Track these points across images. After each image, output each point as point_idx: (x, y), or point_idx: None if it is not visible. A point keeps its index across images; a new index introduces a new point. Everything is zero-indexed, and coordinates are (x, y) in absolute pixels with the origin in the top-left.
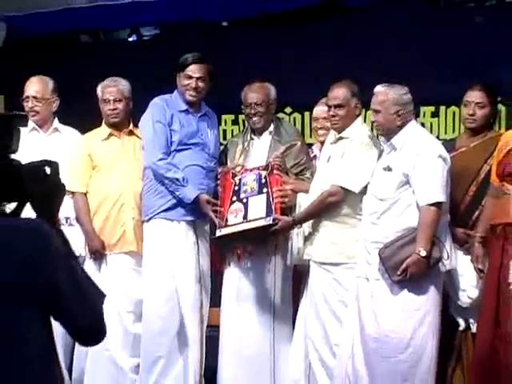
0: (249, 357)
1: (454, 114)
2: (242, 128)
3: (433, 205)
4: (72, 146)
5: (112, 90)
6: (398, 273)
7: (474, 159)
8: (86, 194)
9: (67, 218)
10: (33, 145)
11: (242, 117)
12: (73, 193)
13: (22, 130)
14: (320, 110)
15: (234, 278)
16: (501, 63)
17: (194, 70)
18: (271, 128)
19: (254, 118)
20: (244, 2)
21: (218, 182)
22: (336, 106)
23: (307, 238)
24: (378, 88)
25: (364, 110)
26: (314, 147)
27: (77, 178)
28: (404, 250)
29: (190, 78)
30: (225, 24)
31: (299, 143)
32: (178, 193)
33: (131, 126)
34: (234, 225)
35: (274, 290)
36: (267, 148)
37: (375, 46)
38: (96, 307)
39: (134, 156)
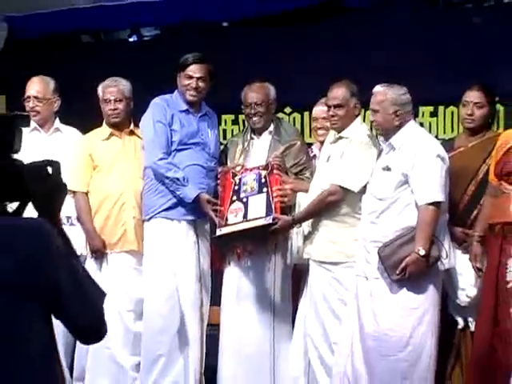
0: (249, 355)
1: (452, 113)
2: (241, 128)
3: (431, 204)
4: (73, 146)
5: (113, 90)
6: (397, 272)
7: (473, 159)
8: (87, 194)
9: (68, 218)
10: (34, 144)
11: (242, 117)
12: (74, 192)
13: (23, 129)
14: (319, 109)
15: (234, 276)
16: (499, 63)
17: (194, 69)
18: (271, 128)
19: (254, 118)
20: (244, 2)
21: (218, 181)
22: (335, 106)
23: (307, 237)
24: (377, 88)
25: (363, 110)
26: (313, 147)
27: (78, 177)
28: (403, 249)
29: (191, 77)
30: (225, 24)
31: (299, 143)
32: (178, 192)
33: (132, 125)
34: (234, 224)
35: (273, 288)
36: (267, 148)
37: (374, 46)
38: (97, 306)
39: (134, 156)
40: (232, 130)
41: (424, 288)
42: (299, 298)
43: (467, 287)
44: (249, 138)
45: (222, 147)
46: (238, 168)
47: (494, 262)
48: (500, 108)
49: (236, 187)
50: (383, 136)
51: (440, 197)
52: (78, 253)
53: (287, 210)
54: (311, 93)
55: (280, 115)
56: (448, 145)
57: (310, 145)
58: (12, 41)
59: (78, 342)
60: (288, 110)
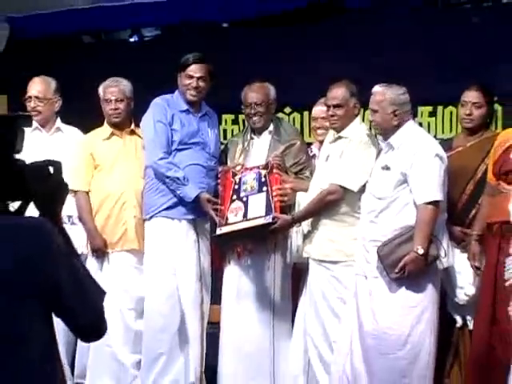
0: (249, 353)
1: (451, 113)
2: (241, 127)
3: (430, 203)
4: (74, 146)
5: (114, 90)
6: (396, 270)
7: (471, 158)
8: (88, 193)
9: (69, 217)
10: (35, 144)
11: (242, 116)
12: (75, 191)
13: (25, 129)
14: (319, 109)
15: (234, 275)
16: (498, 63)
17: (194, 69)
18: (271, 128)
19: (254, 118)
20: (244, 2)
21: (219, 180)
22: (335, 106)
23: (306, 236)
24: (376, 88)
25: (363, 110)
26: (313, 146)
27: (79, 176)
28: (402, 247)
29: (191, 77)
30: (225, 25)
31: (298, 142)
32: (178, 192)
33: (133, 125)
34: (234, 223)
35: (273, 287)
36: (267, 147)
37: (374, 46)
38: (97, 305)
39: (135, 155)
40: (232, 130)
41: (423, 287)
42: (299, 297)
43: (466, 286)
44: (249, 137)
45: (222, 147)
46: (238, 167)
47: (492, 261)
48: (498, 108)
49: (236, 186)
50: (382, 136)
51: (438, 196)
52: (79, 252)
53: (287, 209)
54: (311, 93)
55: (280, 115)
56: (446, 144)
57: (309, 144)
58: (13, 41)
59: (79, 340)
60: (288, 109)
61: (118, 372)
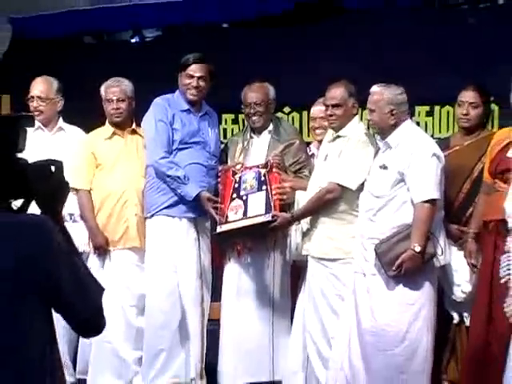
0: (248, 350)
1: (448, 113)
2: (241, 127)
3: (427, 202)
4: (76, 145)
5: (115, 90)
6: (394, 268)
7: (468, 158)
8: (89, 192)
9: (71, 215)
10: (38, 143)
11: (241, 116)
12: (77, 190)
13: (27, 129)
14: (317, 109)
15: (234, 273)
16: (494, 64)
17: (195, 69)
18: (270, 127)
19: (254, 118)
20: (243, 3)
21: (219, 179)
22: (333, 106)
23: (305, 234)
24: (374, 88)
25: (361, 110)
26: (311, 146)
27: (81, 175)
28: (399, 245)
29: (192, 77)
30: (225, 25)
31: (298, 142)
32: (179, 190)
33: (134, 125)
34: (234, 221)
35: (273, 284)
36: (266, 146)
37: (372, 46)
38: (96, 302)
39: (136, 154)
40: (232, 129)
41: (420, 284)
42: (298, 294)
43: (462, 283)
44: (248, 137)
45: (222, 146)
46: (238, 166)
47: (488, 259)
48: (495, 108)
49: (236, 185)
50: (379, 135)
51: (435, 194)
52: (81, 250)
53: (286, 208)
54: (310, 93)
55: (279, 114)
56: (443, 144)
57: (308, 144)
58: (16, 42)
59: (81, 337)
60: (287, 109)
61: (120, 368)
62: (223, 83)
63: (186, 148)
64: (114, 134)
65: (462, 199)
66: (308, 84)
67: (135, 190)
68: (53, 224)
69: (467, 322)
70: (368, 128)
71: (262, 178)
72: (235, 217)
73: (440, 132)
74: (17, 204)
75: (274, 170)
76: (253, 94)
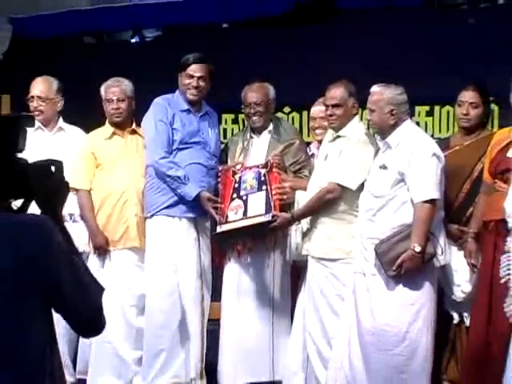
0: (248, 349)
1: (448, 113)
2: (241, 127)
3: (427, 202)
4: (76, 145)
5: (115, 90)
6: (394, 268)
7: (468, 158)
8: (89, 191)
9: (71, 215)
10: (38, 143)
11: (241, 116)
12: (77, 190)
13: (27, 129)
14: (317, 109)
15: (234, 273)
16: (494, 64)
17: (195, 69)
18: (270, 127)
19: (254, 118)
20: (243, 4)
21: (219, 179)
22: (333, 106)
23: (305, 234)
24: (374, 88)
25: (361, 110)
26: (311, 146)
27: (81, 175)
28: (399, 245)
29: (191, 77)
30: (225, 26)
31: (297, 142)
32: (179, 190)
33: (134, 125)
34: (234, 221)
35: (273, 284)
36: (266, 146)
37: (372, 47)
38: (96, 302)
39: (136, 154)
40: (232, 129)
41: (420, 284)
42: (298, 294)
43: (462, 283)
44: (248, 137)
45: (222, 146)
46: (238, 166)
47: (488, 258)
48: (494, 108)
49: (236, 185)
50: (379, 135)
51: (435, 194)
52: (81, 249)
53: (286, 208)
54: (310, 93)
55: (279, 114)
56: (443, 144)
57: (308, 144)
58: (16, 42)
59: (81, 337)
60: (287, 109)
61: (120, 368)
62: (223, 83)
63: (186, 148)
64: (113, 133)
65: (462, 199)
66: (308, 84)
67: (135, 189)
68: (53, 224)
69: (467, 321)
70: (368, 128)
71: (262, 178)
72: (235, 217)
73: (440, 132)
74: (17, 204)
75: (273, 169)
76: (253, 93)
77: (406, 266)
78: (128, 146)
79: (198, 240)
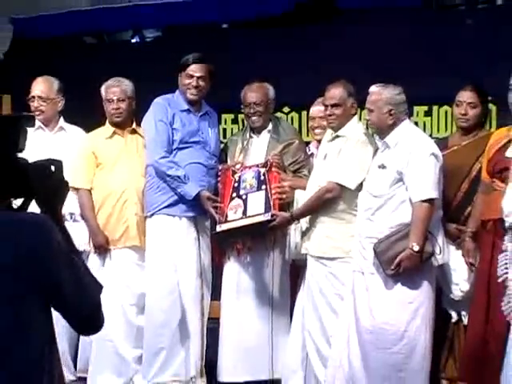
0: (248, 348)
1: (446, 113)
2: (241, 127)
3: (425, 201)
4: (77, 144)
5: (115, 90)
6: (392, 267)
7: (466, 157)
8: (90, 191)
9: (72, 214)
10: (39, 143)
11: (241, 116)
12: (77, 189)
13: (28, 129)
14: (316, 109)
15: (234, 272)
16: (492, 64)
17: (194, 69)
18: (270, 127)
19: (253, 117)
20: (243, 4)
21: (219, 179)
22: (333, 106)
23: (304, 233)
24: (373, 88)
25: (360, 109)
26: (310, 145)
27: (81, 174)
28: (398, 244)
29: (191, 77)
30: (225, 26)
31: (297, 141)
32: (179, 190)
33: (134, 124)
34: (234, 220)
35: (272, 283)
36: (266, 146)
37: (371, 47)
38: (95, 300)
39: (136, 154)
40: (232, 129)
41: (418, 283)
42: (297, 293)
43: (460, 282)
44: (248, 136)
45: (222, 146)
46: (238, 166)
47: (486, 257)
48: (492, 108)
49: (236, 184)
50: (378, 135)
51: (434, 194)
52: (82, 249)
53: (285, 207)
54: (309, 93)
55: (278, 114)
56: (442, 143)
57: (307, 143)
58: (17, 42)
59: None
60: (286, 109)
61: (120, 366)
62: (223, 83)
63: (186, 148)
64: (114, 133)
65: (461, 198)
66: (307, 84)
67: (135, 189)
68: (52, 223)
69: (465, 320)
70: (367, 128)
71: (262, 178)
72: (235, 216)
73: (438, 132)
74: (17, 203)
75: (273, 169)
76: (252, 93)
77: (404, 264)
78: (128, 146)
79: (198, 239)
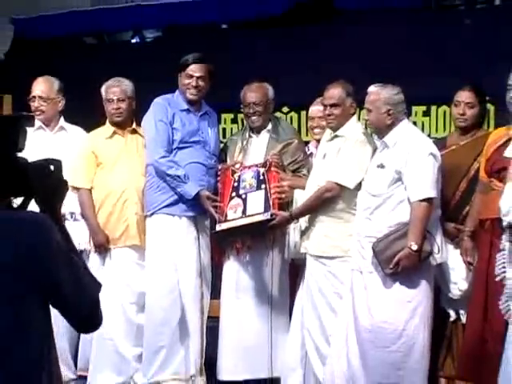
0: (247, 346)
1: (444, 113)
2: (240, 126)
3: (424, 200)
4: (77, 144)
5: (115, 90)
6: (391, 266)
7: (464, 157)
8: (90, 190)
9: (72, 213)
10: (39, 143)
11: (241, 116)
12: (78, 189)
13: (28, 128)
14: (316, 109)
15: (234, 271)
16: (490, 64)
17: (194, 69)
18: (269, 127)
19: (253, 117)
20: (243, 4)
21: (218, 178)
22: (332, 106)
23: (304, 233)
24: (371, 88)
25: (359, 109)
26: (310, 145)
27: (82, 174)
28: (396, 243)
29: (191, 77)
30: (225, 26)
31: (296, 141)
32: (179, 189)
33: (134, 124)
34: (233, 220)
35: (271, 282)
36: (265, 146)
37: (370, 47)
38: (94, 298)
39: (136, 153)
40: (231, 129)
41: (417, 282)
42: (296, 292)
43: (459, 281)
44: (247, 136)
45: (221, 145)
46: (237, 165)
47: (484, 257)
48: (490, 107)
49: (235, 184)
50: (377, 134)
51: (432, 193)
52: (82, 248)
53: (285, 206)
54: (308, 93)
55: (278, 114)
56: (440, 143)
57: (306, 143)
58: (18, 42)
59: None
60: (285, 109)
61: (120, 365)
62: (223, 83)
63: (186, 147)
64: (114, 133)
65: (459, 198)
66: (306, 84)
67: (135, 188)
68: (52, 222)
69: (463, 319)
70: (366, 127)
71: (261, 177)
72: (234, 215)
73: (436, 132)
74: (17, 202)
75: (272, 168)
76: (252, 93)
77: (402, 264)
78: (128, 146)
79: (198, 238)
